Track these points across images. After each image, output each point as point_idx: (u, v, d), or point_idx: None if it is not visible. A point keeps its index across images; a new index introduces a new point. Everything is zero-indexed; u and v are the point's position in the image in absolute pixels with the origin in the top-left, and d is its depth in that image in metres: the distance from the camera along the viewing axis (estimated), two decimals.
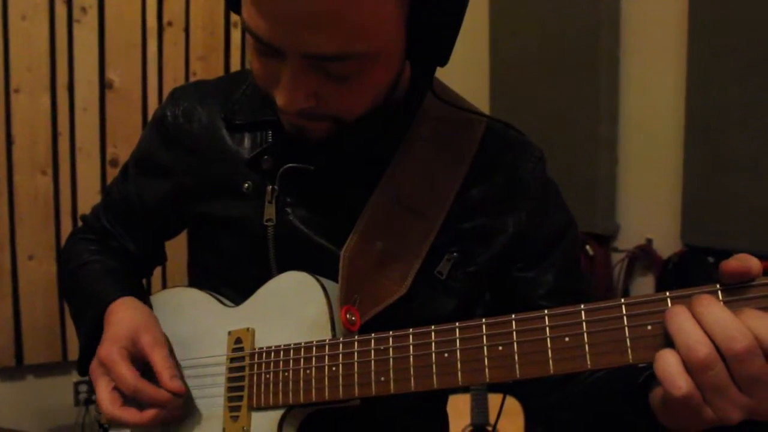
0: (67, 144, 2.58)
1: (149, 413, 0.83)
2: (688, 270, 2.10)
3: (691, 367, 0.53)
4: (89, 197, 2.59)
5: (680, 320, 0.54)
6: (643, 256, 2.28)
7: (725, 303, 0.54)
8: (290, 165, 0.85)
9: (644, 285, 2.29)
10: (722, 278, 0.55)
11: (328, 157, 0.84)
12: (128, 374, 0.82)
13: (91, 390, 2.68)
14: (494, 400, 2.26)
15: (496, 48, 2.74)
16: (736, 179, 1.95)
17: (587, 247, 2.37)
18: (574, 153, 2.38)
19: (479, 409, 2.24)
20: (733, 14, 1.93)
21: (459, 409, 2.22)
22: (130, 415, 0.83)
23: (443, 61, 0.75)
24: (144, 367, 0.86)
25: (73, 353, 2.62)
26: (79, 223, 1.11)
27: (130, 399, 0.84)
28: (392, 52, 0.72)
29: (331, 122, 0.76)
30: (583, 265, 2.37)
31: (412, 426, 0.94)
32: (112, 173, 2.62)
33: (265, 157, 0.86)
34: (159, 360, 0.84)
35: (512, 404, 2.17)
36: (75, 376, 2.68)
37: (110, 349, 0.84)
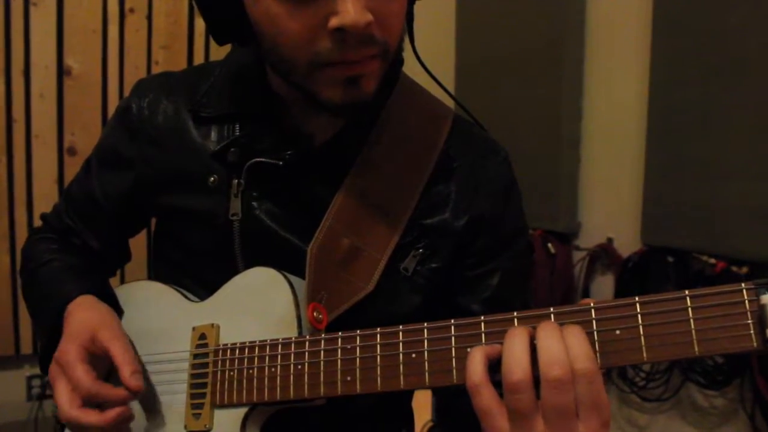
0: (23, 131, 2.51)
1: (111, 414, 0.79)
2: (647, 269, 2.13)
3: (505, 386, 0.57)
4: (45, 186, 2.52)
5: (513, 342, 0.58)
6: (603, 255, 2.31)
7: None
8: (257, 159, 0.83)
9: (605, 283, 2.32)
10: None
11: (295, 151, 0.83)
12: (84, 376, 0.79)
13: (45, 385, 2.62)
14: None
15: (461, 48, 2.75)
16: (696, 180, 1.98)
17: (549, 245, 2.39)
18: (538, 152, 2.39)
19: None
20: (694, 19, 1.97)
21: (420, 405, 2.22)
22: (91, 416, 0.79)
23: None
24: (107, 365, 0.83)
25: (26, 347, 2.56)
26: (36, 222, 1.07)
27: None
28: None
29: (380, 58, 0.73)
30: (545, 262, 2.39)
31: (378, 424, 0.94)
32: (70, 162, 2.56)
33: (232, 149, 0.85)
34: (119, 354, 0.81)
35: None
36: (28, 370, 2.62)
37: (67, 349, 0.82)
